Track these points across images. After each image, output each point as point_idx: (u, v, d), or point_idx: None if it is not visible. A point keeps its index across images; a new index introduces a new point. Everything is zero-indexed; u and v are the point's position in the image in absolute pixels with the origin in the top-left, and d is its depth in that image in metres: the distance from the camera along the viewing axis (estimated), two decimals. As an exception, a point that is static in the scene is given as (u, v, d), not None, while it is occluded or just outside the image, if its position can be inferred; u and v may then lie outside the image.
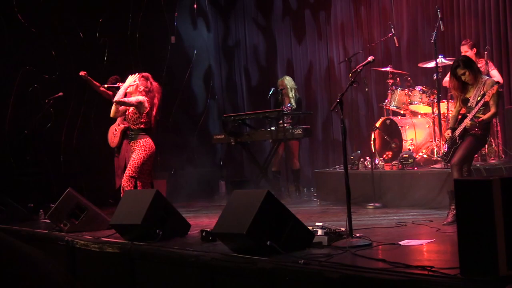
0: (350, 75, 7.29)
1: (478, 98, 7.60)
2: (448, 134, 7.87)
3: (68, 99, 11.78)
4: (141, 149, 8.64)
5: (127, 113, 8.79)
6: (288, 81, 12.08)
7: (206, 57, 14.92)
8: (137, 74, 8.80)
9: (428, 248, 6.06)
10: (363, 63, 7.42)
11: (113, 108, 8.83)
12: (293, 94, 11.98)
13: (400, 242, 6.22)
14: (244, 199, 6.38)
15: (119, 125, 10.87)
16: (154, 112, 8.78)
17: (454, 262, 4.61)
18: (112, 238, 7.63)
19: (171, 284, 6.62)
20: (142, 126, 8.68)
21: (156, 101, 8.82)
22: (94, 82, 10.66)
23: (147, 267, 6.94)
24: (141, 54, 13.32)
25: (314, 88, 14.01)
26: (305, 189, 12.47)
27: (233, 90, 15.10)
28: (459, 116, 7.88)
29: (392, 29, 11.43)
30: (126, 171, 8.70)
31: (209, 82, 14.87)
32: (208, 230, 6.96)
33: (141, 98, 8.64)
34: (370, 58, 7.43)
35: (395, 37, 11.46)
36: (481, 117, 7.57)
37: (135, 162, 8.61)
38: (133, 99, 8.64)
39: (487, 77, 7.91)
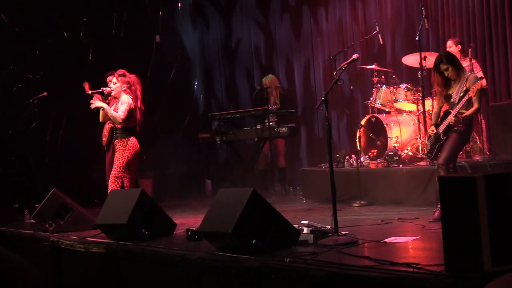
0: (334, 73, 7.29)
1: (461, 94, 7.63)
2: (432, 131, 7.89)
3: (52, 99, 11.72)
4: (125, 148, 8.66)
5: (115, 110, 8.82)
6: (272, 80, 12.06)
7: (192, 56, 14.88)
8: (112, 76, 8.85)
9: (414, 245, 6.07)
10: (347, 61, 7.42)
11: (101, 113, 8.95)
12: (278, 93, 11.98)
13: (386, 240, 6.23)
14: (229, 197, 6.38)
15: (108, 124, 10.87)
16: (139, 104, 8.84)
17: (439, 259, 4.62)
18: (97, 238, 7.61)
19: (157, 283, 6.60)
20: (126, 125, 8.70)
21: (138, 93, 8.89)
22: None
23: (133, 266, 6.92)
24: (125, 53, 13.27)
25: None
26: (291, 187, 12.47)
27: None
28: (441, 113, 7.90)
29: (377, 27, 11.47)
30: (111, 171, 8.69)
31: (194, 81, 14.83)
32: (194, 229, 6.96)
33: (128, 103, 8.67)
34: (354, 56, 7.43)
35: (379, 35, 11.49)
36: (464, 112, 7.60)
37: (119, 162, 8.62)
38: (123, 108, 8.65)
39: (470, 73, 7.94)
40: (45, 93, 11.22)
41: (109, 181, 8.65)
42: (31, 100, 11.24)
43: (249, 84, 14.59)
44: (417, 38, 10.18)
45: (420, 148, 10.20)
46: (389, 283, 4.61)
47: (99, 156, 11.27)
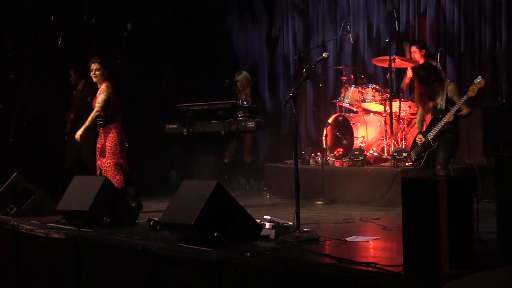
0: (304, 70, 7.31)
1: (445, 101, 7.81)
2: (421, 139, 7.97)
3: (19, 81, 11.60)
4: (114, 134, 8.64)
5: (94, 100, 8.81)
6: (245, 76, 12.01)
7: (161, 43, 14.76)
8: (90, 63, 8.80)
9: (374, 245, 6.12)
10: (317, 59, 7.45)
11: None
12: (250, 91, 11.95)
13: (347, 238, 6.27)
14: (193, 189, 6.38)
15: (71, 111, 10.89)
16: None
17: (399, 260, 4.67)
18: (58, 224, 7.55)
19: (116, 272, 6.57)
20: (109, 112, 8.70)
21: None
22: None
23: (93, 254, 6.89)
24: (96, 40, 13.16)
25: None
26: (255, 182, 12.48)
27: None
28: (426, 120, 8.07)
29: (348, 27, 11.51)
30: (105, 161, 8.61)
31: (165, 70, 14.72)
32: (156, 219, 6.95)
33: (107, 90, 8.66)
34: (324, 55, 7.46)
35: (350, 35, 11.54)
36: (462, 110, 7.75)
37: (113, 149, 8.61)
38: (104, 97, 8.63)
39: (447, 80, 8.12)
40: (11, 76, 11.11)
41: (108, 170, 8.56)
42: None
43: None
44: (387, 40, 10.26)
45: (385, 149, 10.27)
46: (348, 282, 4.65)
47: (64, 142, 11.21)
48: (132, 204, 8.50)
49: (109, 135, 8.64)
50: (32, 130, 12.57)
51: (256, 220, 6.31)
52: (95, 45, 12.49)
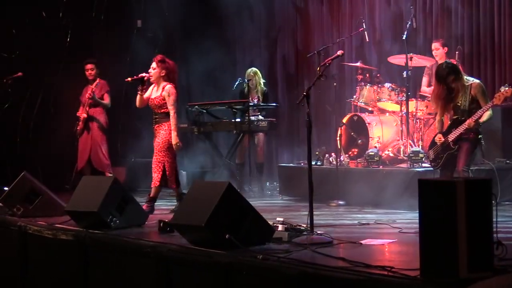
0: (318, 69, 7.29)
1: (469, 101, 7.69)
2: (440, 139, 7.91)
3: (27, 79, 11.63)
4: (166, 132, 8.90)
5: (153, 97, 9.00)
6: (256, 74, 11.99)
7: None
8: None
9: (390, 249, 6.09)
10: (331, 57, 7.42)
11: (138, 97, 9.05)
12: (261, 88, 11.94)
13: (362, 241, 6.24)
14: (204, 190, 6.37)
15: (82, 112, 10.96)
16: None
17: (415, 263, 4.63)
18: (66, 225, 7.56)
19: (125, 274, 6.58)
20: (167, 110, 8.92)
21: (176, 78, 9.17)
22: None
23: (101, 256, 6.89)
24: (105, 37, 13.20)
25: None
26: (267, 183, 12.47)
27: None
28: (446, 121, 8.00)
29: (363, 24, 11.47)
30: (154, 157, 8.91)
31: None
32: (166, 220, 6.94)
33: (174, 93, 8.88)
34: (339, 52, 7.44)
35: (365, 32, 11.50)
36: (479, 116, 7.65)
37: (160, 146, 8.88)
38: (172, 102, 8.86)
39: (471, 80, 7.96)
40: (20, 73, 11.15)
41: (153, 167, 8.88)
42: (5, 80, 11.16)
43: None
44: (404, 37, 10.21)
45: (402, 149, 10.23)
46: (362, 286, 4.62)
47: (72, 141, 11.23)
48: (174, 207, 8.94)
49: (162, 132, 8.90)
50: (39, 129, 12.61)
51: (269, 222, 6.29)
52: (104, 42, 12.53)
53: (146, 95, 9.02)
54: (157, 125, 8.97)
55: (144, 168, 12.71)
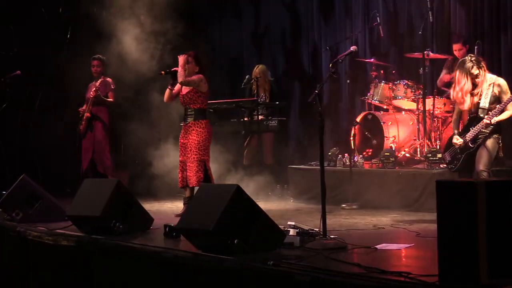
0: (330, 65, 7.29)
1: (492, 99, 7.65)
2: (459, 141, 7.85)
3: (26, 78, 11.66)
4: (203, 129, 9.00)
5: (185, 93, 9.07)
6: (262, 71, 11.99)
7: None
8: (183, 55, 9.05)
9: (406, 253, 6.10)
10: (344, 53, 7.43)
11: (167, 92, 9.20)
12: (269, 87, 11.94)
13: (377, 246, 6.25)
14: (211, 193, 6.38)
15: (86, 112, 10.98)
16: None
17: (433, 269, 4.64)
18: (68, 230, 7.58)
19: (130, 281, 6.59)
20: (202, 106, 9.06)
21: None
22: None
23: (105, 262, 6.90)
24: (105, 34, 13.21)
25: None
26: (278, 185, 12.46)
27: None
28: (464, 119, 7.97)
29: (378, 18, 11.44)
30: (190, 156, 8.92)
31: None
32: (172, 225, 6.95)
33: (205, 80, 9.03)
34: (352, 48, 7.44)
35: (380, 27, 11.47)
36: (499, 112, 7.61)
37: (200, 145, 8.94)
38: (195, 77, 8.98)
39: (495, 77, 7.92)
40: (18, 72, 11.18)
41: (192, 166, 8.88)
42: (2, 79, 11.19)
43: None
44: (420, 32, 10.19)
45: (418, 149, 10.21)
46: (378, 292, 4.63)
47: (73, 141, 11.23)
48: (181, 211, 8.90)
49: (199, 130, 8.96)
50: (39, 129, 12.63)
51: (279, 226, 6.30)
52: (105, 39, 12.52)
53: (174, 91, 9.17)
54: (192, 121, 9.00)
55: (150, 171, 12.73)
